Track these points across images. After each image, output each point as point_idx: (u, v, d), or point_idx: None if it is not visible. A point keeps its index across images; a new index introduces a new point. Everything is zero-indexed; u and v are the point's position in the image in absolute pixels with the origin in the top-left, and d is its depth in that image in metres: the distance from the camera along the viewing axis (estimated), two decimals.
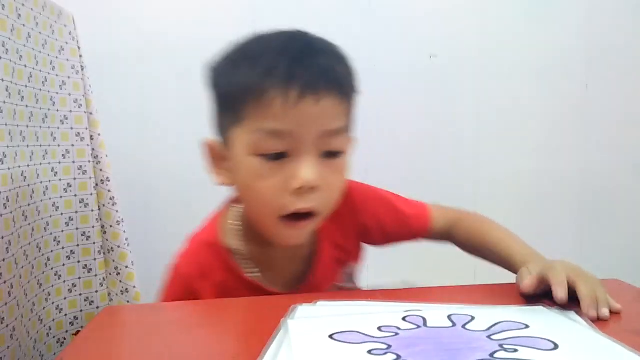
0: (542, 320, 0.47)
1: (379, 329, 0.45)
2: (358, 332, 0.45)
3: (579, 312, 0.49)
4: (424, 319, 0.47)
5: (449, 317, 0.48)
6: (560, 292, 0.50)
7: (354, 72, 0.60)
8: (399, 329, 0.45)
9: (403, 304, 0.53)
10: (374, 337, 0.44)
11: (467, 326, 0.46)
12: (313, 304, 0.53)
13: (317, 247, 0.68)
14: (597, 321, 0.48)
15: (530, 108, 1.45)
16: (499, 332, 0.44)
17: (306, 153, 0.55)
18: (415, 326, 0.46)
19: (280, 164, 0.55)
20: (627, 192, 1.49)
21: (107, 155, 1.03)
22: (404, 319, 0.48)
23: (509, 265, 0.63)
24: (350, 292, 0.73)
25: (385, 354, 0.40)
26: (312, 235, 0.67)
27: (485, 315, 0.48)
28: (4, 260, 0.72)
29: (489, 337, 0.43)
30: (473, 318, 0.48)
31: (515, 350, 0.40)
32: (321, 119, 0.55)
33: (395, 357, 0.40)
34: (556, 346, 0.41)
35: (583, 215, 1.48)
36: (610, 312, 0.49)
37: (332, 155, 0.57)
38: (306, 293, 0.66)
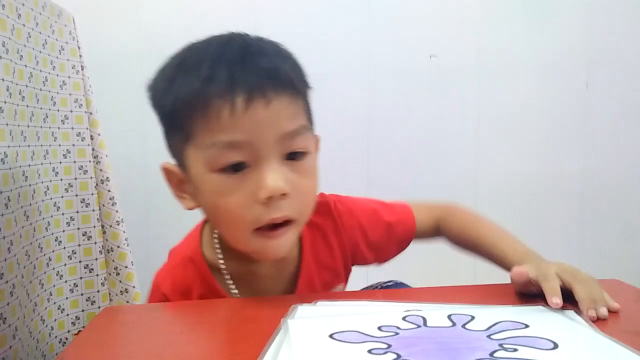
0: (541, 320, 0.47)
1: (379, 328, 0.46)
2: (358, 332, 0.45)
3: (578, 311, 0.49)
4: (424, 319, 0.48)
5: (449, 316, 0.48)
6: (554, 300, 0.49)
7: (301, 67, 0.57)
8: (399, 328, 0.46)
9: (403, 304, 0.53)
10: (374, 336, 0.44)
11: (467, 326, 0.46)
12: (313, 304, 0.54)
13: (301, 267, 0.64)
14: (597, 321, 0.48)
15: (530, 108, 1.45)
16: (498, 332, 0.44)
17: (267, 160, 0.51)
18: (415, 326, 0.46)
19: (243, 176, 0.52)
20: (627, 192, 1.49)
21: (107, 155, 1.04)
22: (403, 318, 0.48)
23: (505, 266, 0.62)
24: (350, 292, 0.73)
25: (385, 353, 0.40)
26: (296, 255, 0.64)
27: (485, 315, 0.48)
28: (5, 260, 0.72)
29: (488, 336, 0.43)
30: (473, 318, 0.48)
31: (515, 350, 0.40)
32: (275, 122, 0.51)
33: (395, 356, 0.40)
34: (556, 345, 0.41)
35: (583, 215, 1.48)
36: (610, 311, 0.49)
37: (296, 157, 0.54)
38: None
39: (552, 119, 1.46)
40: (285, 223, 0.54)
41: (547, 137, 1.46)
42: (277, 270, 0.63)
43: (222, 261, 0.61)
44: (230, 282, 0.62)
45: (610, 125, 1.47)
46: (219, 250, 0.62)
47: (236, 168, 0.52)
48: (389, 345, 0.42)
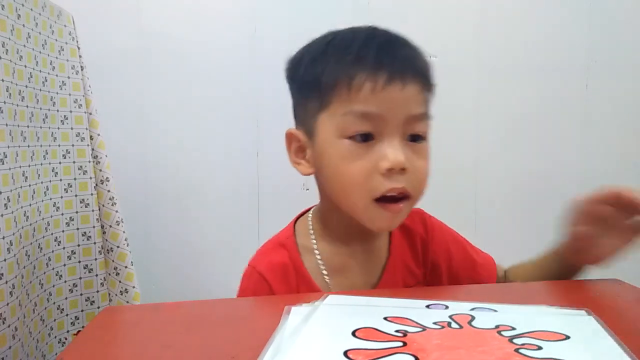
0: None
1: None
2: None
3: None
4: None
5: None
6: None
7: (430, 65, 0.64)
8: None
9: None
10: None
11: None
12: (310, 305, 0.53)
13: (387, 263, 0.67)
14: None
15: (530, 108, 1.45)
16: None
17: (392, 136, 0.57)
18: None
19: (368, 146, 0.57)
20: None
21: (106, 156, 1.04)
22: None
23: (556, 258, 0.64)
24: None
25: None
26: (385, 249, 0.67)
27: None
28: (5, 260, 0.72)
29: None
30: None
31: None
32: (406, 103, 0.58)
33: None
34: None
35: None
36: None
37: (415, 139, 0.60)
38: None
39: (552, 119, 1.46)
40: (402, 199, 0.59)
41: (547, 137, 1.46)
42: (366, 257, 0.66)
43: (314, 242, 0.66)
44: (322, 262, 0.65)
45: (610, 125, 1.47)
46: (312, 234, 0.66)
47: (364, 138, 0.57)
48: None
